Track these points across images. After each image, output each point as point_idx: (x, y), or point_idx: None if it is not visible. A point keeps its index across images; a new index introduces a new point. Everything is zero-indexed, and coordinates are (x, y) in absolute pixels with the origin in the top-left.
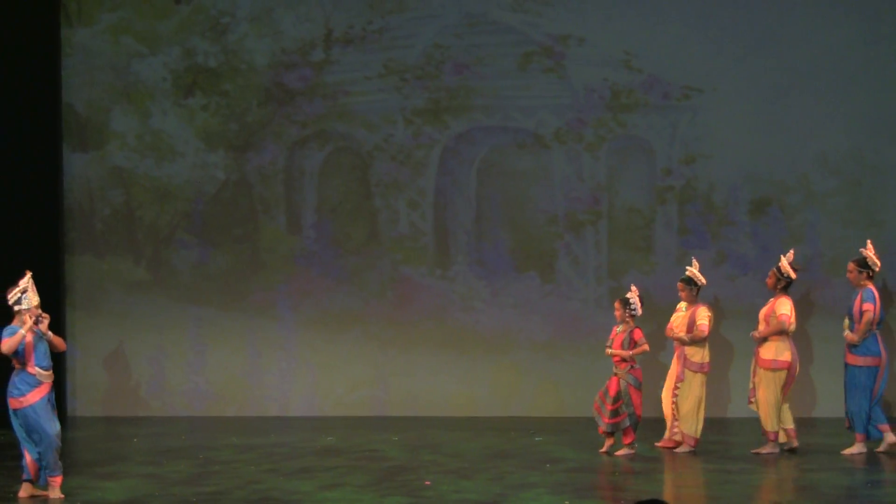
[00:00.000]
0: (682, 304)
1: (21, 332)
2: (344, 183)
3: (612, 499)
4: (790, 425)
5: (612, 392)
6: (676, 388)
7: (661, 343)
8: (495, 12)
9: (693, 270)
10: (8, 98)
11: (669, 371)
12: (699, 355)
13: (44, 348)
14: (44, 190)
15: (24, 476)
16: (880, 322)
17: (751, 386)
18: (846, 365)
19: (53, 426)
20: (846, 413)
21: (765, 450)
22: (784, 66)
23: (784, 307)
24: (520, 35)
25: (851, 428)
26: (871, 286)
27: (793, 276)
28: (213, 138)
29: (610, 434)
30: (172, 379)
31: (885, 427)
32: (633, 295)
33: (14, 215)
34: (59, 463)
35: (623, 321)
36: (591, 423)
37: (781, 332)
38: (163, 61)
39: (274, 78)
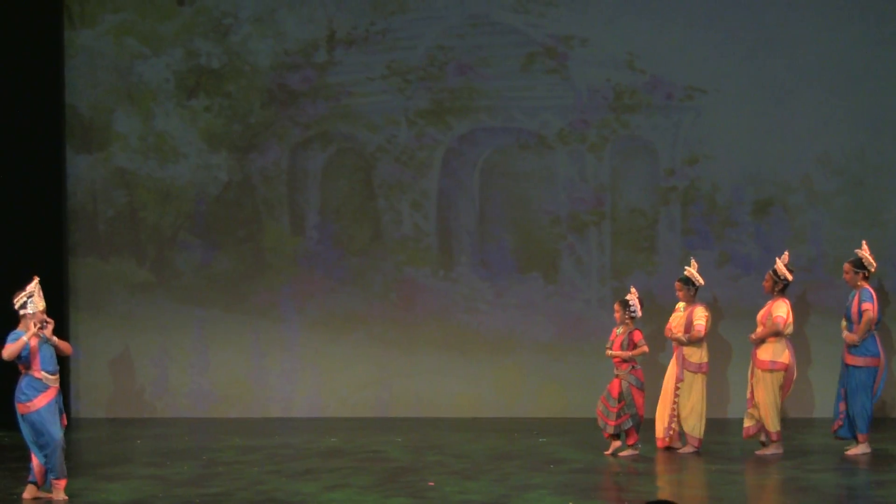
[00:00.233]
0: (681, 305)
1: (23, 339)
2: (347, 184)
3: (615, 499)
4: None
5: (615, 394)
6: (677, 388)
7: (662, 344)
8: (498, 13)
9: (691, 270)
10: (11, 99)
11: (667, 372)
12: (697, 355)
13: (49, 352)
14: (47, 191)
15: (30, 478)
16: (878, 322)
17: (749, 388)
18: (846, 366)
19: (59, 430)
20: (837, 415)
21: (769, 451)
22: (787, 67)
23: (780, 309)
24: (523, 36)
25: (838, 433)
26: (867, 286)
27: (789, 277)
28: (217, 139)
29: (615, 437)
30: (176, 380)
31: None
32: (632, 297)
33: (17, 217)
34: (64, 467)
35: (623, 323)
36: (594, 423)
37: (777, 334)
38: (166, 63)
39: (277, 79)
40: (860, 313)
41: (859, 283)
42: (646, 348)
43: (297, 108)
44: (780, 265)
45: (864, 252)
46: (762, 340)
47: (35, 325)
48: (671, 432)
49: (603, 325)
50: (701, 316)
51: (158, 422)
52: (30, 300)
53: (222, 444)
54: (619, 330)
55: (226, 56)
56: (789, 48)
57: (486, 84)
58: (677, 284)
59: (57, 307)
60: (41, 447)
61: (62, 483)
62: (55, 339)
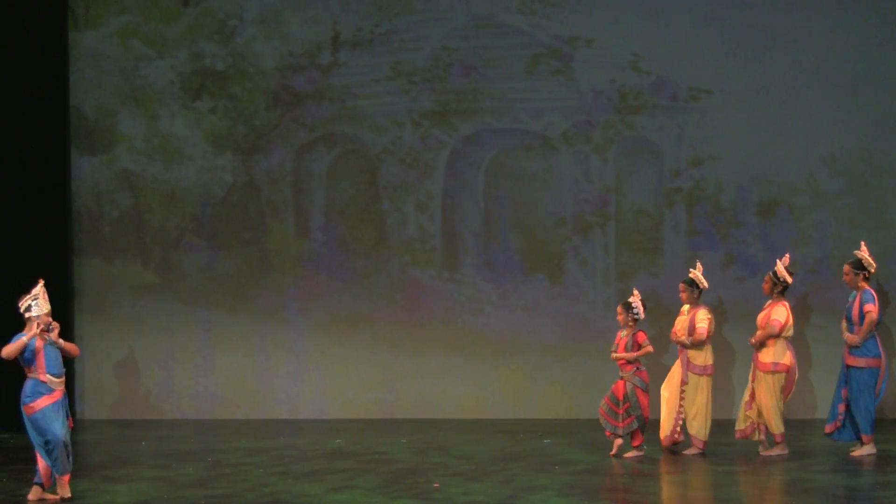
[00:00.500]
0: (685, 307)
1: (23, 340)
2: (352, 186)
3: (621, 501)
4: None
5: (620, 395)
6: (682, 391)
7: (666, 346)
8: (503, 14)
9: (696, 273)
10: (16, 101)
11: (670, 372)
12: (701, 358)
13: (55, 355)
14: (52, 193)
15: (35, 479)
16: (878, 323)
17: (748, 390)
18: (847, 367)
19: (63, 429)
20: (834, 416)
21: (774, 452)
22: (792, 68)
23: (779, 313)
24: (527, 37)
25: (835, 435)
26: (868, 287)
27: (788, 280)
28: (221, 141)
29: (619, 436)
30: (181, 382)
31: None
32: (635, 299)
33: (22, 219)
34: (68, 463)
35: (626, 325)
36: (599, 425)
37: (777, 337)
38: (170, 64)
39: (282, 81)
40: (861, 315)
41: (860, 285)
42: (650, 349)
43: (302, 110)
44: (779, 267)
45: (864, 253)
46: (762, 344)
47: (37, 327)
48: (676, 435)
49: (608, 327)
50: (703, 318)
51: (164, 423)
52: (34, 303)
53: (228, 445)
54: (623, 332)
55: (230, 58)
56: (794, 49)
57: (490, 85)
58: (681, 286)
59: (62, 309)
60: (46, 447)
61: (66, 478)
62: (61, 341)
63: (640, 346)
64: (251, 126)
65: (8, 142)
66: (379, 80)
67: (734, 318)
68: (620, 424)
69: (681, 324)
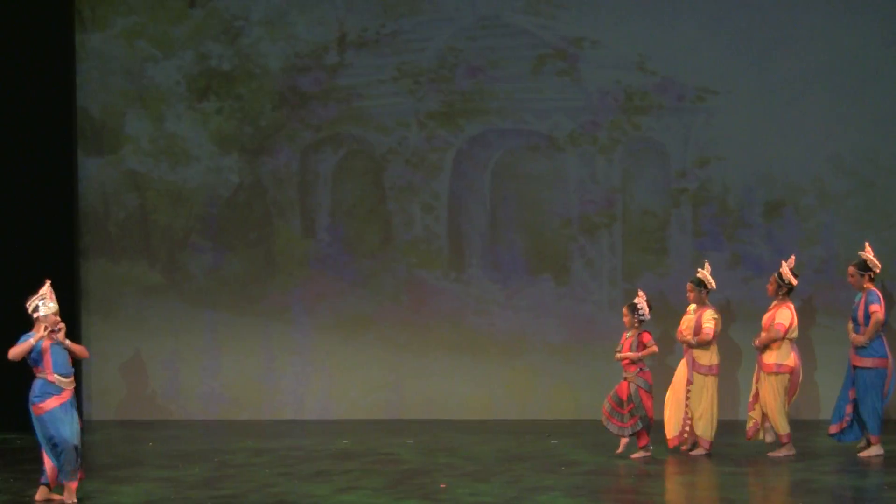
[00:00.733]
0: (692, 307)
1: (30, 341)
2: (358, 186)
3: (627, 502)
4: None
5: (623, 396)
6: (688, 391)
7: (671, 346)
8: (508, 15)
9: (704, 273)
10: (23, 102)
11: (677, 371)
12: (706, 357)
13: (63, 356)
14: (58, 194)
15: (42, 480)
16: (884, 323)
17: (753, 391)
18: (854, 367)
19: (73, 430)
20: (841, 417)
21: (780, 453)
22: (798, 68)
23: (783, 316)
24: (533, 38)
25: (839, 436)
26: (873, 288)
27: (793, 282)
28: (227, 142)
29: (625, 435)
30: (187, 383)
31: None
32: (640, 300)
33: (29, 220)
34: (77, 470)
35: (632, 326)
36: (602, 424)
37: (781, 339)
38: (177, 65)
39: (288, 81)
40: (867, 315)
41: (865, 285)
42: (655, 348)
43: (308, 111)
44: (785, 269)
45: (868, 253)
46: (765, 346)
47: (45, 328)
48: (685, 435)
49: (614, 327)
50: (709, 318)
51: (170, 424)
52: (42, 303)
53: (234, 446)
54: (629, 334)
55: (237, 58)
56: (800, 49)
57: (496, 86)
58: (689, 286)
59: (68, 310)
60: (54, 449)
61: (74, 485)
62: (68, 342)
63: (644, 347)
64: (257, 127)
65: (15, 143)
66: (385, 81)
67: (740, 318)
68: (626, 425)
69: (687, 323)
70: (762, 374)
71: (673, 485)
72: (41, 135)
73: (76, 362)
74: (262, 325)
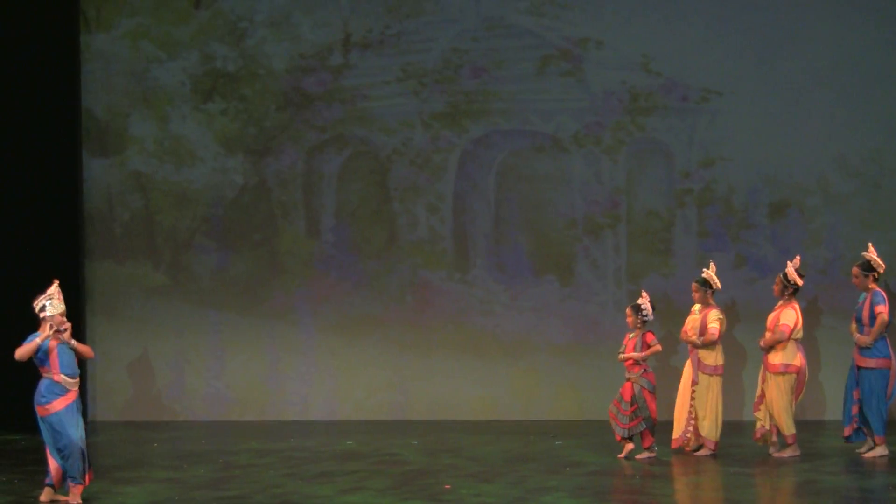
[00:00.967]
0: (696, 307)
1: (36, 341)
2: (363, 187)
3: (632, 503)
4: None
5: (627, 397)
6: (693, 391)
7: (675, 346)
8: (513, 16)
9: (710, 273)
10: (28, 103)
11: (683, 372)
12: (712, 358)
13: (69, 356)
14: (63, 195)
15: (47, 480)
16: (888, 324)
17: (758, 392)
18: (858, 368)
19: (78, 433)
20: (850, 419)
21: (786, 453)
22: (803, 69)
23: (788, 317)
24: (538, 38)
25: (851, 438)
26: (878, 288)
27: (799, 282)
28: (232, 143)
29: (628, 439)
30: (192, 383)
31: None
32: (644, 301)
33: (34, 221)
34: (84, 471)
35: (635, 327)
36: (610, 426)
37: (786, 340)
38: (181, 66)
39: (292, 82)
40: (872, 316)
41: (869, 286)
42: (659, 347)
43: (313, 112)
44: (790, 269)
45: (871, 254)
46: (771, 347)
47: (51, 328)
48: (688, 435)
49: (619, 328)
50: (715, 319)
51: (175, 425)
52: (49, 303)
53: (238, 447)
54: (632, 334)
55: (241, 59)
56: (805, 50)
57: (501, 87)
58: (694, 286)
59: (73, 311)
60: (60, 450)
61: (80, 488)
62: (74, 342)
63: (648, 346)
64: (262, 128)
65: (20, 144)
66: (389, 82)
67: (745, 318)
68: (624, 426)
69: (691, 323)
70: (768, 375)
71: (678, 485)
72: (46, 136)
73: (81, 363)
74: (266, 326)
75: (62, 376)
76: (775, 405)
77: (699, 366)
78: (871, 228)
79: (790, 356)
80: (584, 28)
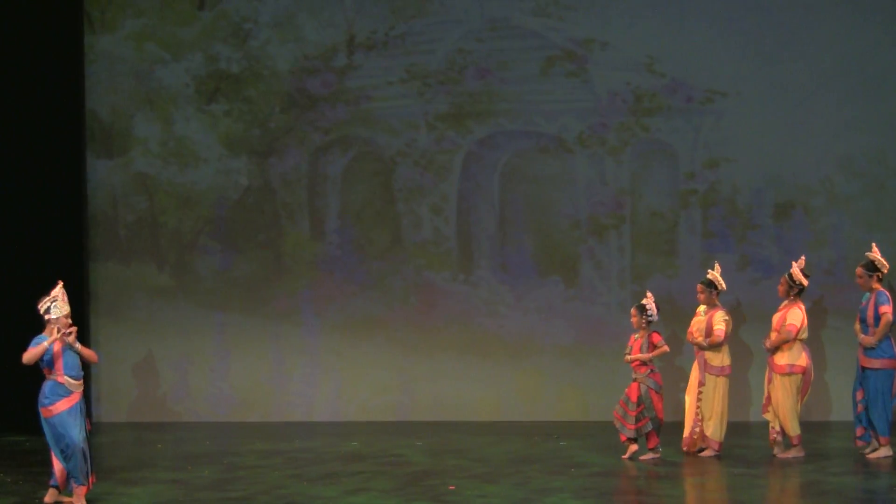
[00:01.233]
0: (702, 308)
1: (43, 345)
2: (367, 188)
3: (636, 503)
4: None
5: (634, 398)
6: (700, 392)
7: (679, 347)
8: (518, 17)
9: (715, 274)
10: (32, 105)
11: (691, 374)
12: (718, 359)
13: (73, 358)
14: (67, 196)
15: (52, 482)
16: (893, 324)
17: (765, 393)
18: (863, 369)
19: (80, 434)
20: (860, 420)
21: (790, 454)
22: (808, 70)
23: (794, 317)
24: (542, 39)
25: (864, 438)
26: (882, 289)
27: (804, 283)
28: (236, 144)
29: (633, 440)
30: (197, 385)
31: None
32: (648, 301)
33: (38, 222)
34: (87, 473)
35: (640, 327)
36: (614, 427)
37: (792, 340)
38: (185, 67)
39: (296, 83)
40: (876, 316)
41: (873, 286)
42: (666, 348)
43: (317, 113)
44: (795, 270)
45: (875, 254)
46: (776, 347)
47: (58, 330)
48: (695, 436)
49: (623, 329)
50: (720, 320)
51: (179, 426)
52: (54, 305)
53: (243, 448)
54: (637, 335)
55: (245, 61)
56: (809, 51)
57: (505, 88)
58: (699, 287)
59: (78, 312)
60: (62, 451)
61: (83, 490)
62: (79, 345)
63: (655, 347)
64: (266, 129)
65: (24, 145)
66: (393, 83)
67: (750, 319)
68: (631, 426)
69: (697, 325)
70: (774, 375)
71: (683, 486)
72: (50, 137)
73: (85, 365)
74: (271, 327)
75: (66, 378)
76: (781, 406)
77: (706, 367)
78: (875, 229)
79: (796, 356)
80: (589, 29)
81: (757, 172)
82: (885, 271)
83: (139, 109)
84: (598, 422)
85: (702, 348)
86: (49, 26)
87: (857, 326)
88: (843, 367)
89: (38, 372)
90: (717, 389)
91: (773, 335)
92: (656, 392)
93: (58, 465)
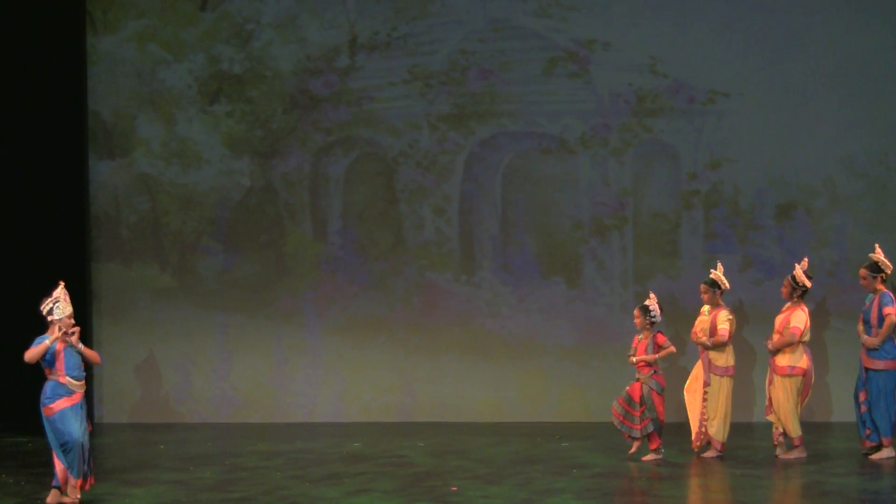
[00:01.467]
0: (705, 308)
1: (45, 343)
2: (369, 189)
3: None
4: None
5: (636, 398)
6: (705, 392)
7: (682, 348)
8: (520, 18)
9: (717, 274)
10: (34, 105)
11: (692, 374)
12: (723, 359)
13: (75, 358)
14: (70, 197)
15: (53, 483)
16: None
17: (768, 395)
18: (865, 370)
19: (81, 432)
20: (864, 422)
21: (792, 455)
22: (810, 70)
23: (798, 319)
24: (545, 40)
25: (871, 438)
26: (886, 290)
27: (808, 284)
28: (239, 145)
29: (638, 439)
30: (199, 386)
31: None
32: (651, 302)
33: (40, 223)
34: (83, 468)
35: (644, 328)
36: (614, 425)
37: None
38: (188, 68)
39: (299, 84)
40: (880, 317)
41: (877, 287)
42: (673, 348)
43: (320, 114)
44: (798, 272)
45: (879, 255)
46: (778, 349)
47: (60, 330)
48: (702, 436)
49: (626, 330)
50: (725, 320)
51: (182, 427)
52: (56, 305)
53: (245, 449)
54: (641, 336)
55: (248, 61)
56: (812, 51)
57: (508, 88)
58: (702, 287)
59: (80, 313)
60: (63, 447)
61: (79, 483)
62: (81, 346)
63: (660, 348)
64: (268, 130)
65: (26, 146)
66: (396, 84)
67: (753, 320)
68: (637, 427)
69: (701, 325)
70: (775, 377)
71: (685, 487)
72: (52, 138)
73: (87, 366)
74: (273, 328)
75: (68, 378)
76: (782, 407)
77: (711, 367)
78: (878, 230)
79: (797, 358)
80: (591, 30)
81: (759, 173)
82: (889, 272)
83: (141, 110)
84: (601, 423)
85: (706, 348)
86: (51, 27)
87: (860, 327)
88: (845, 368)
89: (41, 373)
90: (722, 389)
91: (776, 337)
92: (658, 394)
93: (59, 466)
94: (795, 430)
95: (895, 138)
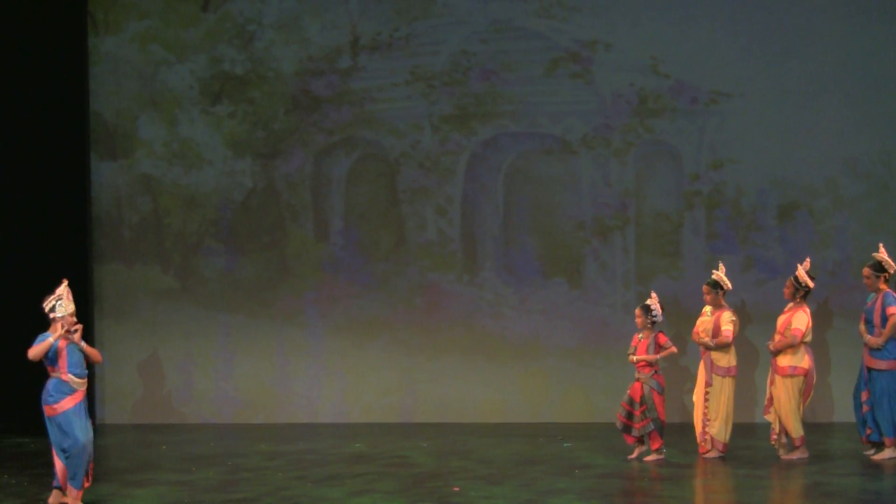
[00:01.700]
0: (707, 309)
1: (48, 341)
2: (371, 190)
3: None
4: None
5: (637, 398)
6: (707, 393)
7: (684, 348)
8: (522, 18)
9: (720, 274)
10: (36, 106)
11: (698, 376)
12: (725, 360)
13: (78, 356)
14: (72, 198)
15: (55, 483)
16: None
17: (767, 395)
18: (868, 370)
19: (86, 434)
20: (865, 422)
21: (794, 455)
22: (813, 71)
23: (799, 321)
24: (546, 41)
25: (873, 437)
26: (888, 289)
27: (810, 285)
28: (241, 146)
29: (640, 441)
30: (201, 386)
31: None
32: (653, 301)
33: (43, 224)
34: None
35: (645, 328)
36: (616, 428)
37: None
38: (190, 69)
39: (301, 85)
40: (883, 317)
41: (880, 287)
42: (674, 349)
43: (321, 114)
44: (801, 272)
45: (882, 255)
46: (780, 350)
47: (62, 328)
48: (706, 437)
49: (628, 330)
50: (728, 321)
51: (184, 428)
52: (59, 303)
53: (247, 449)
54: (641, 335)
55: (249, 62)
56: (814, 52)
57: (509, 89)
58: (705, 288)
59: (82, 313)
60: (65, 450)
61: (79, 494)
62: (84, 344)
63: (661, 348)
64: (270, 130)
65: (28, 147)
66: (398, 85)
67: (755, 320)
68: (637, 426)
69: (703, 325)
70: (776, 377)
71: (686, 488)
72: (55, 139)
73: (90, 365)
74: (275, 329)
75: (70, 376)
76: (783, 407)
77: (712, 368)
78: (880, 230)
79: (798, 358)
80: (593, 30)
81: (761, 174)
82: (892, 272)
83: (143, 111)
84: (603, 423)
85: (708, 348)
86: (53, 28)
87: (862, 327)
88: (847, 368)
89: (42, 373)
90: (724, 390)
91: (777, 338)
92: (659, 393)
93: (59, 465)
94: (797, 431)
95: None
